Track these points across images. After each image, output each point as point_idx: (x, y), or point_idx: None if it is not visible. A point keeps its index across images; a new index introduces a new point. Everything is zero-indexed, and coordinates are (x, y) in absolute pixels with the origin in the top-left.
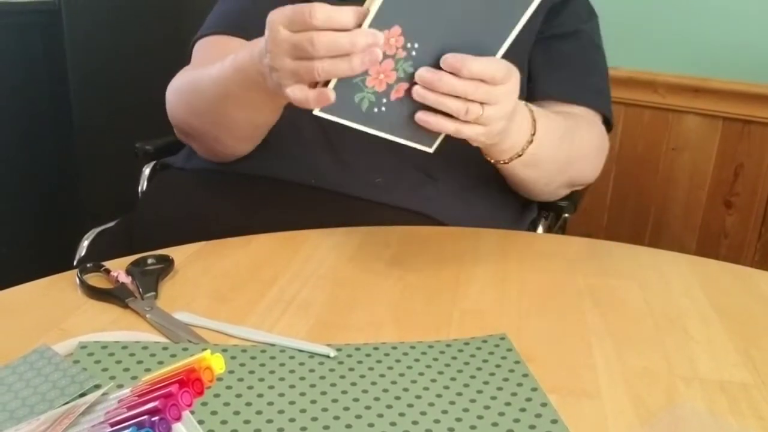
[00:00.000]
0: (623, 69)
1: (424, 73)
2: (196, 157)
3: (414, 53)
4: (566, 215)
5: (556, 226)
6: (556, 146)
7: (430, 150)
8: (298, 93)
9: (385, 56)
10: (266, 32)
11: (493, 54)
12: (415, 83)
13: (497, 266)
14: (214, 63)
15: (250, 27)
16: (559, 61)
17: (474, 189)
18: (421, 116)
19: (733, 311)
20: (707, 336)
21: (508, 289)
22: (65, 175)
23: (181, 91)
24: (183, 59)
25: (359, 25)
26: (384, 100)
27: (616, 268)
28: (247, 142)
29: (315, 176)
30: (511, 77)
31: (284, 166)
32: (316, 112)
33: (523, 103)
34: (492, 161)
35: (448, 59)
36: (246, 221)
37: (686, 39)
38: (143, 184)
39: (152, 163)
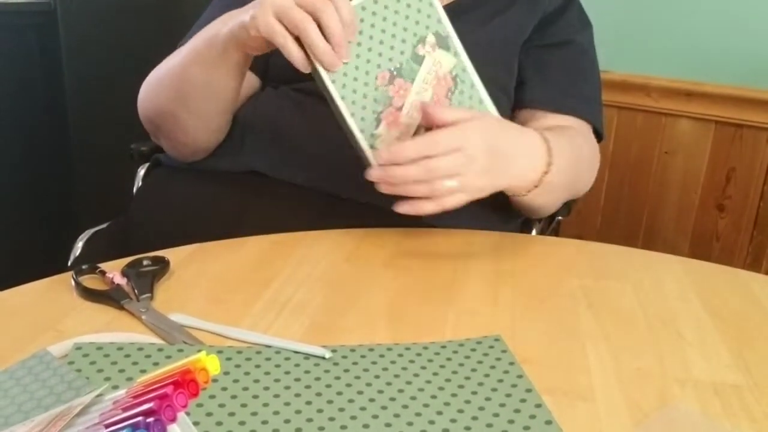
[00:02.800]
0: (616, 73)
1: (382, 157)
2: None
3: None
4: (559, 218)
5: (549, 229)
6: (569, 170)
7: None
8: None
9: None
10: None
11: None
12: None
13: (492, 268)
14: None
15: None
16: (548, 69)
17: None
18: (400, 206)
19: (726, 313)
20: (700, 338)
21: (503, 291)
22: (60, 175)
23: (149, 79)
24: None
25: None
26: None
27: (610, 270)
28: (208, 126)
29: (303, 174)
30: (463, 130)
31: (273, 163)
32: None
33: (538, 132)
34: (512, 195)
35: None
36: (236, 219)
37: (679, 43)
38: (138, 185)
39: (147, 164)
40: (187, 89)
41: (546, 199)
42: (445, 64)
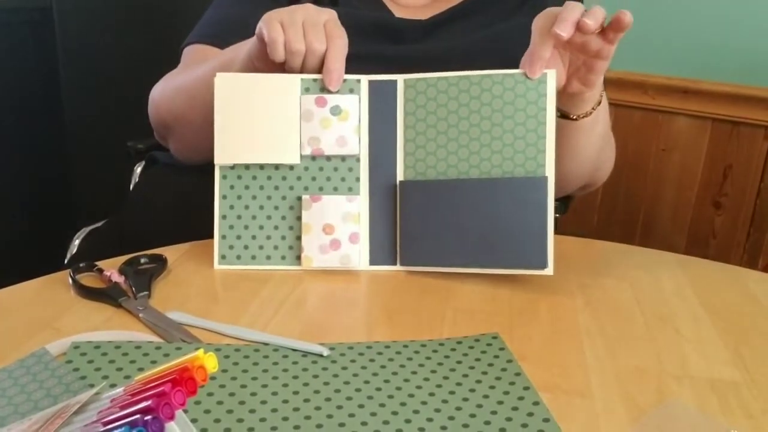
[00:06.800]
0: (614, 70)
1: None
2: None
3: None
4: (557, 215)
5: None
6: (606, 122)
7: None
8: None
9: None
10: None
11: None
12: None
13: None
14: (196, 68)
15: (233, 38)
16: None
17: None
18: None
19: (723, 310)
20: (698, 334)
21: (501, 288)
22: (57, 174)
23: (166, 86)
24: (175, 58)
25: None
26: None
27: (607, 268)
28: None
29: None
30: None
31: None
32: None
33: None
34: (575, 118)
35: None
36: None
37: (676, 41)
38: (135, 182)
39: (143, 162)
40: (208, 99)
41: (594, 134)
42: None
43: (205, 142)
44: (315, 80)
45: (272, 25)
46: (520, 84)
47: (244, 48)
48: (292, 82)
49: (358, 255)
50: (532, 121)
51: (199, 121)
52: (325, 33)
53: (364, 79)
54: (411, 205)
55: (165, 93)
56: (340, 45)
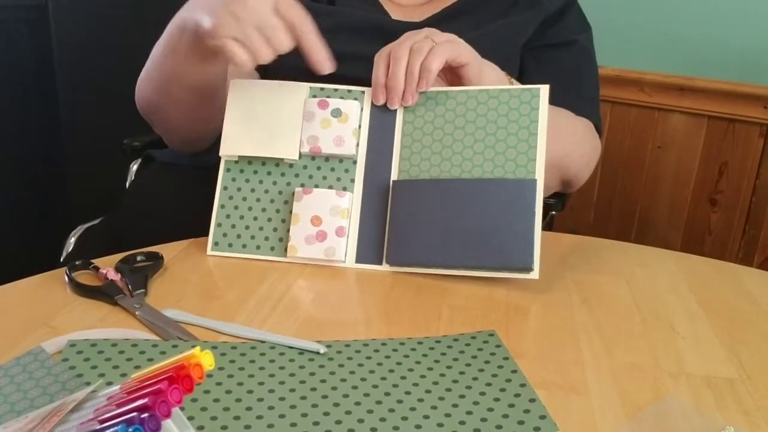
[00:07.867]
0: (610, 68)
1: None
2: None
3: None
4: (553, 212)
5: (543, 224)
6: (552, 122)
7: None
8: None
9: None
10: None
11: None
12: None
13: None
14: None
15: None
16: (552, 69)
17: None
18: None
19: (719, 307)
20: (693, 332)
21: (497, 286)
22: (53, 171)
23: (142, 72)
24: None
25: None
26: None
27: (603, 265)
28: (193, 116)
29: None
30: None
31: None
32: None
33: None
34: None
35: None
36: None
37: (673, 39)
38: (131, 180)
39: (140, 160)
40: (164, 80)
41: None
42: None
43: (180, 128)
44: (322, 89)
45: (229, 45)
46: (515, 98)
47: (184, 37)
48: (301, 89)
49: (343, 249)
50: (524, 131)
51: (165, 106)
52: (285, 26)
53: (368, 91)
54: (401, 204)
55: (140, 80)
56: (310, 34)
